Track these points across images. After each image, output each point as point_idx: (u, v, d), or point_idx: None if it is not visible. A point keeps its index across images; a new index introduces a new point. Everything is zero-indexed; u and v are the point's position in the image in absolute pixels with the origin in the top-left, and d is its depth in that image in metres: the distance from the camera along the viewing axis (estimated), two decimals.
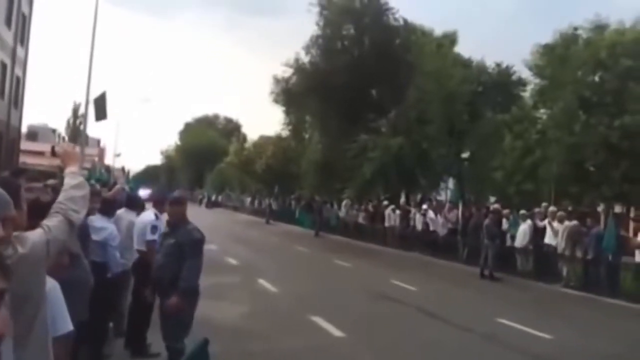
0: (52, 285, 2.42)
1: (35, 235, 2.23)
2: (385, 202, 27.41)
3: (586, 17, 25.34)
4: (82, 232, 4.60)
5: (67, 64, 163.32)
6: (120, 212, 6.93)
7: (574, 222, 15.71)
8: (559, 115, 24.71)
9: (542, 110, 28.59)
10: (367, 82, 33.34)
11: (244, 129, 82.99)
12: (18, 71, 28.51)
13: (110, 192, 7.58)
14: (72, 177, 2.61)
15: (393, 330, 9.29)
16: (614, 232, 14.58)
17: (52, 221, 2.35)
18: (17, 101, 29.28)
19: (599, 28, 24.71)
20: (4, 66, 25.50)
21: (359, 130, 31.68)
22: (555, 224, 15.99)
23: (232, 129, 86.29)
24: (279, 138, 46.24)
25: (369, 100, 34.11)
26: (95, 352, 5.88)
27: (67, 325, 2.47)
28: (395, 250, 22.98)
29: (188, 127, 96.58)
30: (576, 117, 23.66)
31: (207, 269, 6.01)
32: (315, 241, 27.16)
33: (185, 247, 5.59)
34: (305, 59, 36.01)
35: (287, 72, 36.64)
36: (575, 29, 25.72)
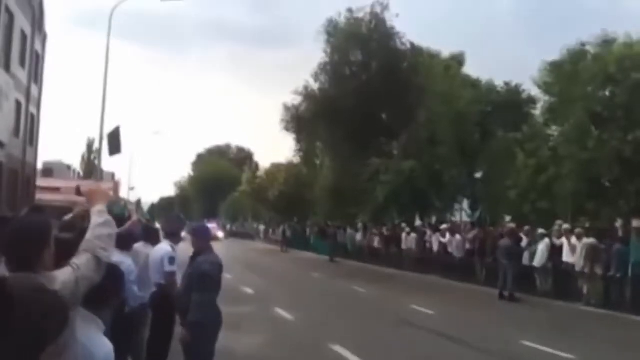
0: (108, 350, 2.46)
1: (64, 275, 2.24)
2: (404, 225, 27.29)
3: (592, 33, 25.35)
4: None
5: (81, 100, 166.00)
6: (138, 245, 6.91)
7: (592, 240, 15.51)
8: (570, 131, 24.59)
9: (553, 128, 28.47)
10: (377, 106, 33.49)
11: (256, 158, 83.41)
12: (32, 109, 28.92)
13: (125, 226, 7.59)
14: (99, 215, 2.63)
15: (414, 356, 9.17)
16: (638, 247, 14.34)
17: (80, 259, 2.36)
18: (32, 139, 29.66)
19: (607, 43, 24.68)
20: (19, 105, 25.88)
21: (370, 154, 31.71)
22: (573, 240, 15.80)
23: (244, 157, 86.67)
24: (290, 165, 46.37)
25: (379, 124, 34.22)
26: None
27: None
28: (413, 273, 22.79)
29: (200, 157, 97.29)
30: (588, 132, 23.51)
31: (223, 298, 5.99)
32: (331, 267, 27.03)
33: (194, 278, 5.62)
34: (314, 86, 36.31)
35: (297, 99, 36.93)
36: (583, 44, 25.71)
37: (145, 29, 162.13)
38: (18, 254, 2.22)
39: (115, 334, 4.51)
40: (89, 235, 2.50)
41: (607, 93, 24.21)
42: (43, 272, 2.20)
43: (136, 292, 6.27)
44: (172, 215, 9.63)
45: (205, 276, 5.61)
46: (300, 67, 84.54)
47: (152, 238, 7.51)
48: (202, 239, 5.98)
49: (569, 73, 25.20)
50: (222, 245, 33.73)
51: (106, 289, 2.53)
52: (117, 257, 6.02)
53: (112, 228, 2.63)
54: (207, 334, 5.68)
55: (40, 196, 28.83)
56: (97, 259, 2.41)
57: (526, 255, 17.18)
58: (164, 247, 6.95)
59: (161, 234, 8.05)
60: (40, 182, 33.23)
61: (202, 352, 5.63)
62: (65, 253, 2.43)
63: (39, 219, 2.60)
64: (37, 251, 2.26)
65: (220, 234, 50.95)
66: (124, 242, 6.28)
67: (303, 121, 36.65)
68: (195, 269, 5.66)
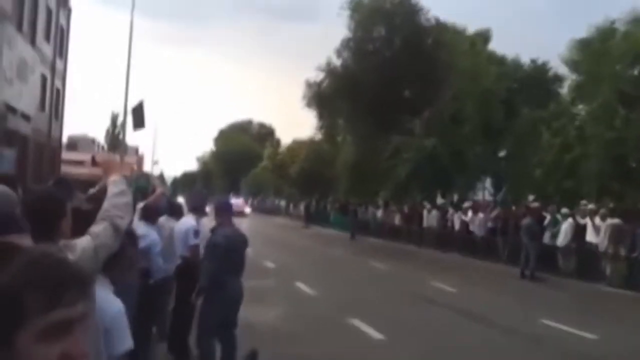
0: (119, 308, 2.48)
1: (83, 242, 2.33)
2: (425, 203, 27.20)
3: (622, 10, 24.73)
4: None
5: (105, 74, 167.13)
6: (162, 219, 6.99)
7: (616, 220, 15.31)
8: (597, 110, 24.17)
9: (580, 106, 28.01)
10: (400, 83, 33.12)
11: (278, 134, 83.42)
12: (58, 83, 29.20)
13: (150, 198, 7.67)
14: (115, 185, 2.68)
15: (434, 332, 9.20)
16: None
17: (98, 227, 2.45)
18: (57, 112, 30.01)
19: (637, 20, 24.06)
20: (44, 79, 26.14)
21: (392, 132, 31.47)
22: (597, 221, 15.63)
23: (265, 134, 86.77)
24: (312, 142, 46.29)
25: (401, 101, 33.86)
26: (138, 357, 5.95)
27: (128, 343, 2.47)
28: (433, 251, 22.77)
29: (222, 133, 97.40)
30: (615, 112, 23.08)
31: (244, 272, 6.14)
32: (352, 244, 27.11)
33: (207, 249, 6.00)
34: (337, 62, 36.01)
35: (319, 75, 36.66)
36: (612, 22, 25.12)
37: (169, 2, 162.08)
38: (35, 224, 2.27)
39: (141, 305, 4.60)
40: (105, 204, 2.57)
41: (636, 72, 23.70)
42: (62, 241, 2.27)
43: (161, 264, 6.37)
44: (196, 190, 9.74)
45: (214, 246, 5.88)
46: (323, 43, 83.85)
47: (175, 212, 7.61)
48: (223, 214, 6.18)
49: (597, 51, 24.68)
50: (245, 220, 34.07)
51: (115, 252, 2.56)
52: (143, 230, 6.12)
53: (128, 197, 2.69)
54: (212, 299, 5.88)
55: (65, 169, 29.27)
56: (114, 227, 2.48)
57: (547, 234, 17.05)
58: (188, 220, 7.04)
59: (184, 208, 8.15)
60: (65, 155, 33.72)
61: (206, 320, 5.89)
62: (85, 223, 2.50)
63: (53, 191, 2.67)
64: (53, 221, 2.32)
65: (247, 210, 51.42)
66: (150, 215, 6.36)
67: (325, 98, 36.41)
68: (209, 240, 6.01)
